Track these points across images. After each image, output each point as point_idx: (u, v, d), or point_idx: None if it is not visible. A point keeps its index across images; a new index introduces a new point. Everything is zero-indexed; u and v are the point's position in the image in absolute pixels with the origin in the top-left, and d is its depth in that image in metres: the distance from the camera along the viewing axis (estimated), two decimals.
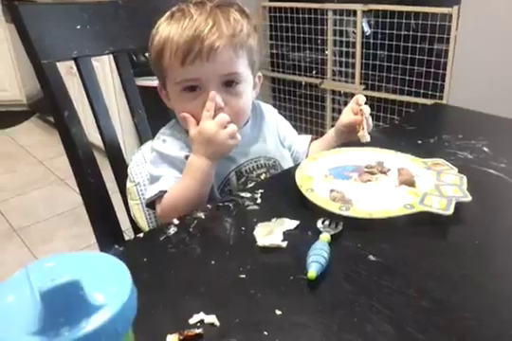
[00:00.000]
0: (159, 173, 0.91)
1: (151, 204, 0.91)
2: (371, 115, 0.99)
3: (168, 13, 0.90)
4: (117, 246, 0.70)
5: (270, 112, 1.09)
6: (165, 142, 0.94)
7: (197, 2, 0.89)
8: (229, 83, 0.89)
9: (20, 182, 2.96)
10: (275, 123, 1.07)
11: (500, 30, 2.04)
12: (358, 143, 0.96)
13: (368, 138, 0.94)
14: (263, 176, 0.97)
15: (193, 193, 0.85)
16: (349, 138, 1.02)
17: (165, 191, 0.88)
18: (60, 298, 0.33)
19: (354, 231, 0.71)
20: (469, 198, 0.75)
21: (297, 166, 0.89)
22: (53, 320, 0.33)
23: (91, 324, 0.34)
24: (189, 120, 0.88)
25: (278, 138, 1.05)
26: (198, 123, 0.87)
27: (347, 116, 1.00)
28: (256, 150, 0.98)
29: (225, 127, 0.85)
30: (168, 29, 0.86)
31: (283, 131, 1.08)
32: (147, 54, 1.00)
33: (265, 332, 0.53)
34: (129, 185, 1.01)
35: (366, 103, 0.98)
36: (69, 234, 2.37)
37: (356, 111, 0.98)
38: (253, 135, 1.00)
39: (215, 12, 0.86)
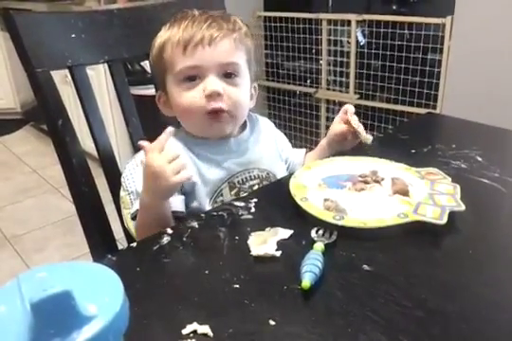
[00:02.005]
0: (141, 190, 0.90)
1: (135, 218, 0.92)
2: (364, 124, 1.00)
3: (167, 24, 0.93)
4: (110, 256, 0.70)
5: (268, 125, 1.09)
6: None
7: (194, 11, 0.93)
8: (229, 75, 0.91)
9: (13, 190, 2.95)
10: (273, 136, 1.07)
11: (492, 40, 2.06)
12: (352, 152, 0.96)
13: (371, 138, 0.98)
14: (255, 188, 0.97)
15: (153, 227, 0.80)
16: (341, 148, 1.03)
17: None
18: (51, 309, 0.33)
19: (348, 240, 0.71)
20: (463, 207, 0.75)
21: (291, 175, 0.89)
22: (44, 331, 0.33)
23: (82, 335, 0.33)
24: (145, 150, 0.81)
25: (276, 151, 1.06)
26: (192, 115, 0.91)
27: (338, 125, 1.02)
28: (250, 160, 0.98)
29: (171, 161, 0.79)
30: (169, 31, 0.91)
31: (281, 144, 1.08)
32: (143, 63, 1.02)
33: None
34: (122, 194, 1.01)
35: (360, 112, 1.00)
36: (62, 243, 2.35)
37: (346, 120, 0.99)
38: (249, 145, 1.00)
39: (214, 16, 0.91)
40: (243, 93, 0.94)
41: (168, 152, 0.80)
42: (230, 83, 0.91)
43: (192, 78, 0.89)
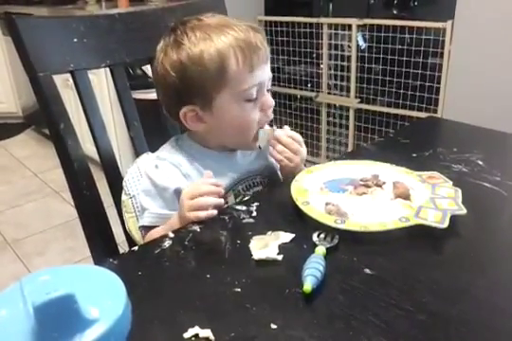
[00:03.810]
0: (146, 205, 0.91)
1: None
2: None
3: (190, 30, 0.88)
4: (111, 260, 0.70)
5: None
6: (157, 168, 0.92)
7: (208, 15, 0.92)
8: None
9: (14, 194, 2.95)
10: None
11: (493, 44, 2.06)
12: (354, 156, 0.96)
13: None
14: None
15: None
16: (285, 171, 1.00)
17: (145, 227, 0.91)
18: (54, 312, 0.33)
19: (349, 244, 0.71)
20: (464, 211, 0.75)
21: (292, 179, 0.89)
22: (47, 335, 0.33)
23: (85, 339, 0.34)
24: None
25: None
26: (249, 131, 0.92)
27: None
28: (257, 168, 0.99)
29: (193, 198, 0.81)
30: (223, 42, 0.85)
31: None
32: (144, 67, 1.00)
33: None
34: (124, 197, 1.01)
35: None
36: (63, 247, 2.35)
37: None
38: (253, 157, 1.00)
39: (242, 21, 0.90)
40: None
41: (194, 190, 0.82)
42: (269, 92, 0.94)
43: (254, 97, 0.90)
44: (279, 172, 1.05)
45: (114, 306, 0.36)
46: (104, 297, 0.37)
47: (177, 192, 0.88)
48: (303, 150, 0.98)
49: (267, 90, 0.93)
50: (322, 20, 2.71)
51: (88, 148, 1.23)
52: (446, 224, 0.71)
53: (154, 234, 0.88)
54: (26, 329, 0.33)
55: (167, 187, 0.89)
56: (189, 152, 0.94)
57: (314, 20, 2.74)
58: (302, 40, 2.82)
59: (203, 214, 0.80)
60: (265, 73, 0.91)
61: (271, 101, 0.93)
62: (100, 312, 0.35)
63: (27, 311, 0.34)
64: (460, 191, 0.82)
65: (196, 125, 0.92)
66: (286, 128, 0.97)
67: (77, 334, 0.33)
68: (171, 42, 0.89)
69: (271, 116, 0.95)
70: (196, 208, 0.80)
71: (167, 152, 0.96)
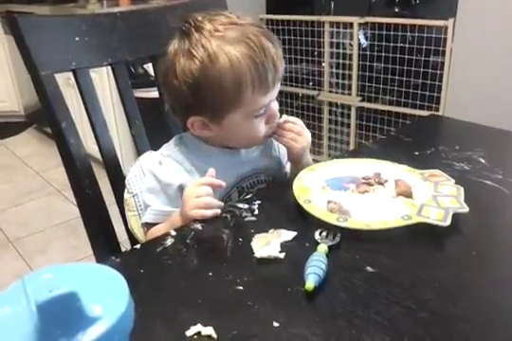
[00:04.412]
0: (148, 202, 0.91)
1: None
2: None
3: (208, 36, 0.84)
4: (113, 258, 0.70)
5: None
6: (161, 164, 0.92)
7: (223, 21, 0.87)
8: None
9: (16, 193, 2.95)
10: (276, 143, 1.06)
11: (495, 42, 2.06)
12: (356, 154, 0.96)
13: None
14: None
15: None
16: (296, 163, 1.02)
17: (148, 224, 0.91)
18: (57, 310, 0.33)
19: (351, 242, 0.71)
20: (466, 209, 0.75)
21: (294, 177, 0.89)
22: (50, 332, 0.33)
23: (88, 336, 0.34)
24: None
25: (278, 156, 1.05)
26: (254, 140, 0.94)
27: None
28: (260, 166, 0.99)
29: (198, 197, 0.82)
30: (235, 59, 0.82)
31: (283, 150, 1.07)
32: (146, 66, 1.00)
33: None
34: (126, 196, 1.01)
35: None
36: (65, 245, 2.35)
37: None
38: (257, 155, 1.00)
39: (256, 28, 0.87)
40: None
41: (200, 190, 0.82)
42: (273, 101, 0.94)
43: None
44: (287, 167, 1.06)
45: (117, 304, 0.36)
46: (107, 295, 0.37)
47: (181, 189, 0.88)
48: (307, 132, 0.99)
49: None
50: (324, 18, 2.71)
51: (90, 146, 1.23)
52: (448, 223, 0.72)
53: (155, 231, 0.88)
54: (29, 326, 0.33)
55: (171, 183, 0.89)
56: (192, 150, 0.95)
57: (315, 18, 2.74)
58: (304, 38, 2.82)
59: (209, 213, 0.80)
60: (275, 89, 0.90)
61: (275, 113, 0.93)
62: (103, 309, 0.35)
63: (29, 309, 0.34)
64: (462, 189, 0.82)
65: (202, 132, 0.92)
66: (284, 116, 0.98)
67: (80, 332, 0.34)
68: (185, 49, 0.85)
69: (276, 124, 0.95)
70: (202, 207, 0.81)
71: (170, 150, 0.96)
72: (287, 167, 1.07)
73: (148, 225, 0.92)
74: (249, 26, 0.87)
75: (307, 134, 0.99)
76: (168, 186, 0.90)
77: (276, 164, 1.04)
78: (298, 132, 0.97)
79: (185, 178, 0.90)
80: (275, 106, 0.94)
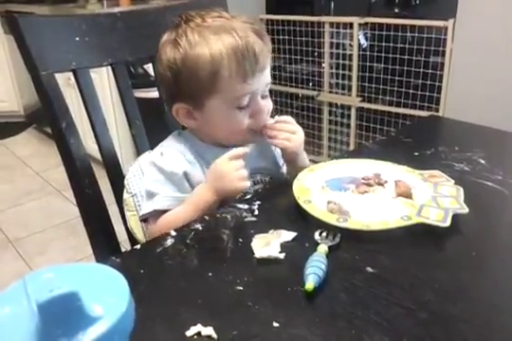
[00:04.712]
0: (155, 190, 0.90)
1: (145, 219, 0.93)
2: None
3: (191, 30, 0.87)
4: (113, 258, 0.70)
5: None
6: (162, 155, 0.93)
7: (213, 15, 0.90)
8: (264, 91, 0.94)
9: (16, 193, 2.95)
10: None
11: (495, 43, 2.06)
12: (355, 155, 0.96)
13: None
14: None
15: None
16: (292, 163, 1.02)
17: (159, 211, 0.89)
18: (57, 310, 0.33)
19: (351, 243, 0.71)
20: (466, 210, 0.75)
21: (294, 177, 0.89)
22: (50, 332, 0.33)
23: (88, 336, 0.34)
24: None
25: (275, 157, 1.06)
26: (235, 134, 0.92)
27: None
28: (255, 166, 0.99)
29: (237, 170, 0.86)
30: (217, 48, 0.85)
31: (278, 151, 1.07)
32: (146, 66, 1.00)
33: None
34: (126, 196, 1.01)
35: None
36: (65, 245, 2.35)
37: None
38: (255, 151, 1.00)
39: (246, 24, 0.89)
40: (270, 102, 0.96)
41: (237, 163, 0.86)
42: (265, 97, 0.94)
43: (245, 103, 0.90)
44: (283, 168, 1.06)
45: (117, 303, 0.36)
46: (108, 295, 0.37)
47: (186, 176, 0.90)
48: (300, 130, 0.98)
49: (264, 96, 0.93)
50: (324, 18, 2.71)
51: (90, 146, 1.23)
52: (447, 223, 0.72)
53: (170, 218, 0.87)
54: (29, 326, 0.33)
55: (175, 171, 0.90)
56: (192, 144, 0.96)
57: (315, 18, 2.74)
58: (304, 38, 2.82)
59: (248, 184, 0.87)
60: (260, 81, 0.90)
61: (264, 107, 0.92)
62: (104, 309, 0.35)
63: (30, 308, 0.34)
64: (462, 190, 0.82)
65: (188, 121, 0.95)
66: (276, 117, 0.98)
67: (80, 332, 0.34)
68: (171, 39, 0.89)
69: (265, 120, 0.94)
70: (246, 178, 0.87)
71: (171, 142, 0.98)
72: (284, 168, 1.07)
73: (153, 216, 0.90)
74: (240, 21, 0.89)
75: (300, 132, 0.98)
76: (173, 174, 0.90)
77: (272, 165, 1.04)
78: (290, 130, 0.97)
79: (187, 167, 0.91)
80: (265, 103, 0.93)
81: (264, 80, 0.91)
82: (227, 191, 0.86)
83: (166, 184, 0.90)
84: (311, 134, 2.98)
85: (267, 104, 0.94)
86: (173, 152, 0.93)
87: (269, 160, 1.03)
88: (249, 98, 0.90)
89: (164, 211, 0.89)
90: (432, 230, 0.72)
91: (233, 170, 0.85)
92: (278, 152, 1.05)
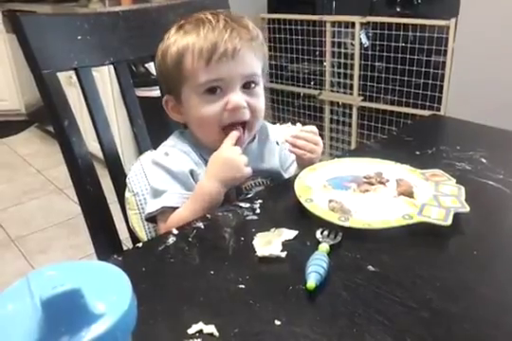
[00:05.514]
0: (163, 188, 0.90)
1: (151, 218, 0.92)
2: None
3: (175, 27, 0.92)
4: (115, 256, 0.70)
5: (275, 133, 1.07)
6: (167, 155, 0.92)
7: (207, 15, 0.90)
8: (248, 85, 0.91)
9: (18, 191, 2.96)
10: (278, 147, 1.06)
11: (496, 42, 2.06)
12: (357, 153, 0.96)
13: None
14: None
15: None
16: (305, 162, 0.98)
17: (168, 207, 0.89)
18: (61, 307, 0.33)
19: (353, 242, 0.71)
20: (467, 209, 0.75)
21: (296, 176, 0.89)
22: (54, 329, 0.33)
23: (91, 333, 0.34)
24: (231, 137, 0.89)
25: (279, 160, 1.05)
26: (207, 128, 0.91)
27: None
28: (256, 168, 0.98)
29: (240, 154, 0.87)
30: (186, 39, 0.88)
31: (285, 154, 1.06)
32: (147, 65, 1.02)
33: None
34: (128, 195, 1.01)
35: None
36: (67, 244, 2.36)
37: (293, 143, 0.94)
38: (257, 154, 1.00)
39: (230, 21, 0.89)
40: (262, 102, 0.94)
41: (239, 148, 0.88)
42: (251, 94, 0.91)
43: (214, 90, 0.88)
44: (286, 174, 1.05)
45: (120, 301, 0.37)
46: (110, 292, 0.38)
47: (192, 174, 0.91)
48: (321, 141, 0.98)
49: (248, 92, 0.90)
50: (325, 18, 2.71)
51: (92, 144, 1.24)
52: (449, 222, 0.72)
53: (180, 215, 0.87)
54: (33, 323, 0.34)
55: (181, 170, 0.90)
56: (194, 144, 0.96)
57: (317, 18, 2.74)
58: (305, 38, 2.82)
59: (251, 170, 0.88)
60: (231, 70, 0.87)
61: (236, 100, 0.88)
62: (107, 306, 0.36)
63: (34, 305, 0.34)
64: (463, 189, 0.82)
65: (176, 115, 0.97)
66: (298, 125, 0.97)
67: (83, 329, 0.34)
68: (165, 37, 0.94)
69: (243, 117, 0.90)
70: (246, 164, 0.87)
71: (174, 141, 0.98)
72: (288, 172, 1.06)
73: (161, 213, 0.90)
74: (229, 16, 0.91)
75: (321, 143, 0.97)
76: (179, 173, 0.90)
77: (275, 168, 1.03)
78: (316, 141, 0.95)
79: (193, 167, 0.91)
80: (249, 99, 0.90)
81: (237, 69, 0.88)
82: (234, 177, 0.87)
83: (173, 183, 0.90)
84: None
85: (251, 101, 0.90)
86: (177, 153, 0.93)
87: (273, 163, 1.03)
88: (221, 87, 0.88)
89: (172, 210, 0.89)
90: (434, 229, 0.72)
91: (238, 154, 0.87)
92: (284, 155, 1.05)
